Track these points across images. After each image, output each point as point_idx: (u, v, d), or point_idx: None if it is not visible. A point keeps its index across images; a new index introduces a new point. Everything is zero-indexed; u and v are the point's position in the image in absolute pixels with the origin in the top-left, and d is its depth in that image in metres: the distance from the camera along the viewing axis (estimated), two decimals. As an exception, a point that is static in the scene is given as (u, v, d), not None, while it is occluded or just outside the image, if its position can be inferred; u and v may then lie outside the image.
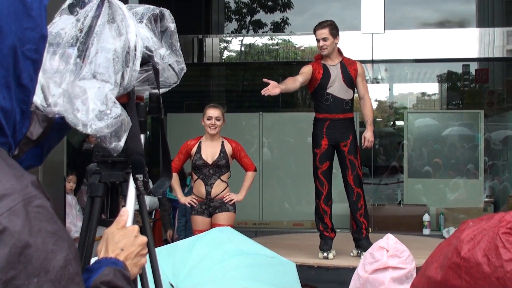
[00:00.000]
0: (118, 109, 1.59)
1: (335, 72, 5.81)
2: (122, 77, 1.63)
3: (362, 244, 5.79)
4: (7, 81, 1.11)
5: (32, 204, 1.04)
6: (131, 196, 1.69)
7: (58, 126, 1.75)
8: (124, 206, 2.24)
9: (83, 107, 1.55)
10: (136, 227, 1.42)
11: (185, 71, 1.91)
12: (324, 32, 5.76)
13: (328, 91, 5.79)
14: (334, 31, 5.80)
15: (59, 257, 1.05)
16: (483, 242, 1.40)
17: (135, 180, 1.77)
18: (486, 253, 1.38)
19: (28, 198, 1.04)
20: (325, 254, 5.78)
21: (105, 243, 1.34)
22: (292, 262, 2.88)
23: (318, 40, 5.82)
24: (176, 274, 2.58)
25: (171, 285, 2.55)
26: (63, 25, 1.63)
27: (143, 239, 1.39)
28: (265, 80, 5.26)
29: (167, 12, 1.86)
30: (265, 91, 5.18)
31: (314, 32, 5.84)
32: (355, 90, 5.95)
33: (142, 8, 1.82)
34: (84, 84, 1.56)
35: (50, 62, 1.59)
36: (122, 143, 1.63)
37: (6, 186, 1.03)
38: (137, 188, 1.78)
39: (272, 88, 5.21)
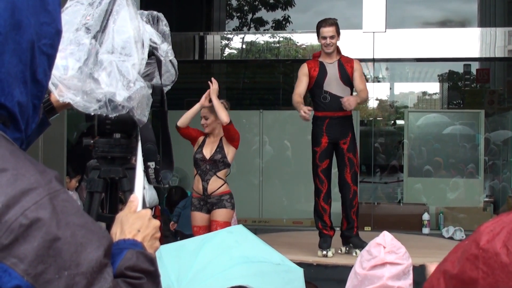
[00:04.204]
0: (141, 83, 1.60)
1: (332, 70, 5.79)
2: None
3: (353, 241, 5.81)
4: (24, 75, 1.11)
5: (58, 198, 1.05)
6: (139, 182, 1.69)
7: (39, 122, 1.76)
8: (122, 202, 2.25)
9: (108, 79, 1.55)
10: (149, 211, 1.38)
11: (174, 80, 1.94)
12: (332, 30, 5.72)
13: (325, 89, 5.77)
14: (338, 29, 5.79)
15: (89, 249, 1.06)
16: (502, 233, 1.41)
17: (147, 168, 1.78)
18: (505, 244, 1.39)
19: (53, 192, 1.05)
20: (324, 252, 5.78)
21: (120, 225, 1.31)
22: (300, 268, 2.86)
23: (324, 38, 5.75)
24: (179, 279, 2.56)
25: None
26: (76, 9, 1.63)
27: (157, 222, 1.35)
28: None
29: (162, 16, 1.88)
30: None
31: (319, 28, 5.79)
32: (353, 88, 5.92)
33: (138, 11, 1.84)
34: (108, 57, 1.56)
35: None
36: (145, 118, 1.66)
37: (31, 181, 1.03)
38: (147, 176, 1.80)
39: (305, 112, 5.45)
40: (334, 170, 6.07)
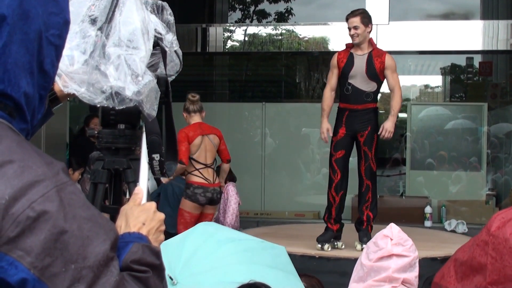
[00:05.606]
0: (149, 76, 1.58)
1: (359, 63, 5.74)
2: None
3: (359, 234, 5.78)
4: (31, 66, 1.10)
5: (65, 191, 1.04)
6: (144, 175, 1.68)
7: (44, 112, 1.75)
8: (125, 195, 2.24)
9: (116, 73, 1.53)
10: (154, 204, 1.37)
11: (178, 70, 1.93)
12: (356, 21, 5.71)
13: (349, 81, 5.76)
14: (366, 19, 5.74)
15: (95, 243, 1.05)
16: None
17: (151, 160, 1.78)
18: None
19: (60, 185, 1.04)
20: (319, 246, 5.70)
21: (125, 218, 1.30)
22: (281, 246, 2.93)
23: (349, 29, 5.76)
24: (172, 268, 2.58)
25: (170, 277, 2.55)
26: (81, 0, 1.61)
27: (162, 215, 1.35)
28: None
29: (166, 5, 1.87)
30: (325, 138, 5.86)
31: (346, 20, 5.80)
32: (381, 82, 5.86)
33: (143, 0, 1.82)
34: (115, 51, 1.55)
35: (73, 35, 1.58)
36: (155, 112, 1.65)
37: (38, 173, 1.02)
38: (151, 168, 1.79)
39: (326, 133, 5.83)
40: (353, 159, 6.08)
